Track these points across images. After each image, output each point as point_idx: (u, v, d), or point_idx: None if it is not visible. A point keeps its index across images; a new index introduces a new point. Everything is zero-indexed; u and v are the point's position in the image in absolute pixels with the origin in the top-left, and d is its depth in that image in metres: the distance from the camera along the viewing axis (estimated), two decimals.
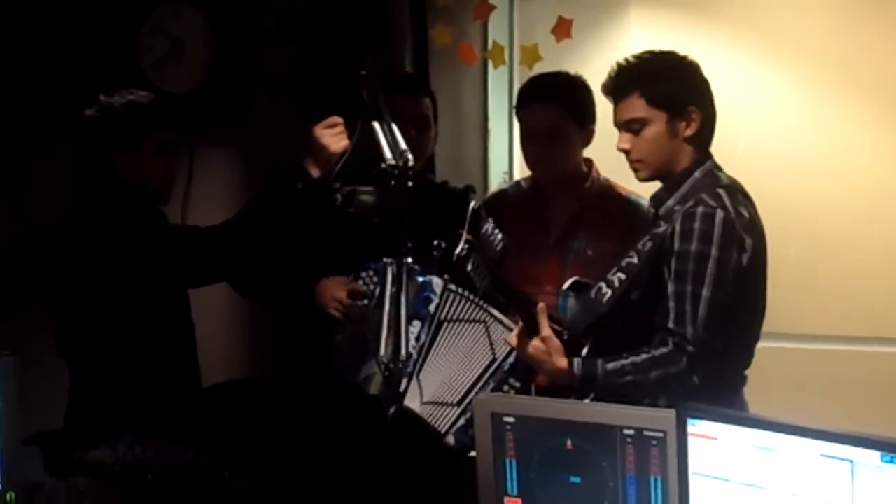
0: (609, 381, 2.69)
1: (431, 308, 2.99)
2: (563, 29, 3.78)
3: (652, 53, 2.89)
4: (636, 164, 2.89)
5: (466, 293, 3.00)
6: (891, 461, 1.94)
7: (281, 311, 3.55)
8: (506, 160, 4.58)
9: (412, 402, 2.97)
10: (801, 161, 4.29)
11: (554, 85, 3.44)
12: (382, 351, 2.62)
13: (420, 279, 3.01)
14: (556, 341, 2.77)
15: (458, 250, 2.82)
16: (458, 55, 3.91)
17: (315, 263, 3.25)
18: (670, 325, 2.67)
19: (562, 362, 2.75)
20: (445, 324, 3.00)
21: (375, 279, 3.09)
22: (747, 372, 2.91)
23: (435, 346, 3.00)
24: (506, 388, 2.96)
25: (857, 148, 4.23)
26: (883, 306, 4.00)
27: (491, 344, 2.98)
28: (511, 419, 2.43)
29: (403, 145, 2.66)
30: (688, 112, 2.82)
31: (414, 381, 2.96)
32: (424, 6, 3.94)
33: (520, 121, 3.48)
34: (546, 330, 2.76)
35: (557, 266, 3.43)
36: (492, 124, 4.47)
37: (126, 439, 1.59)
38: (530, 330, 2.78)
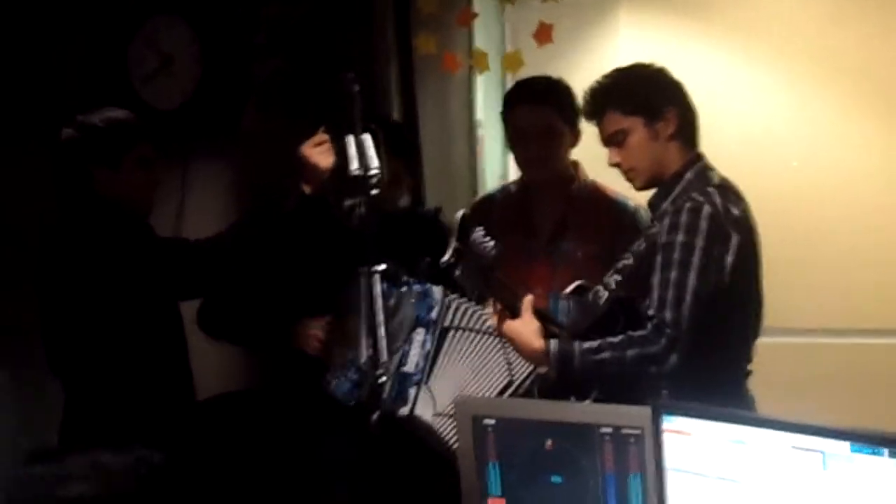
0: (585, 359, 2.73)
1: (433, 314, 3.01)
2: (544, 34, 3.80)
3: (618, 70, 3.00)
4: (629, 174, 2.97)
5: (470, 303, 3.05)
6: (859, 451, 1.97)
7: (256, 350, 3.58)
8: (500, 166, 4.60)
9: (424, 411, 2.99)
10: (794, 157, 4.31)
11: (541, 86, 3.52)
12: (363, 357, 2.64)
13: (417, 287, 3.04)
14: (535, 323, 2.83)
15: (445, 258, 2.86)
16: (443, 64, 3.93)
17: (300, 291, 3.26)
18: (651, 311, 2.72)
19: (538, 342, 2.81)
20: (451, 331, 3.04)
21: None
22: (750, 368, 2.94)
23: (443, 353, 3.02)
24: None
25: (849, 142, 4.24)
26: (885, 297, 4.01)
27: (508, 364, 3.01)
28: (492, 421, 2.46)
29: (374, 160, 2.70)
30: (662, 113, 2.90)
31: (424, 390, 2.99)
32: (408, 16, 3.96)
33: (508, 123, 3.55)
34: (527, 315, 2.83)
35: (547, 268, 3.47)
36: (484, 131, 4.49)
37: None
38: (513, 316, 2.85)
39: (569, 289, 3.00)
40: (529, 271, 3.43)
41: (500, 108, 4.63)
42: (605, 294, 2.88)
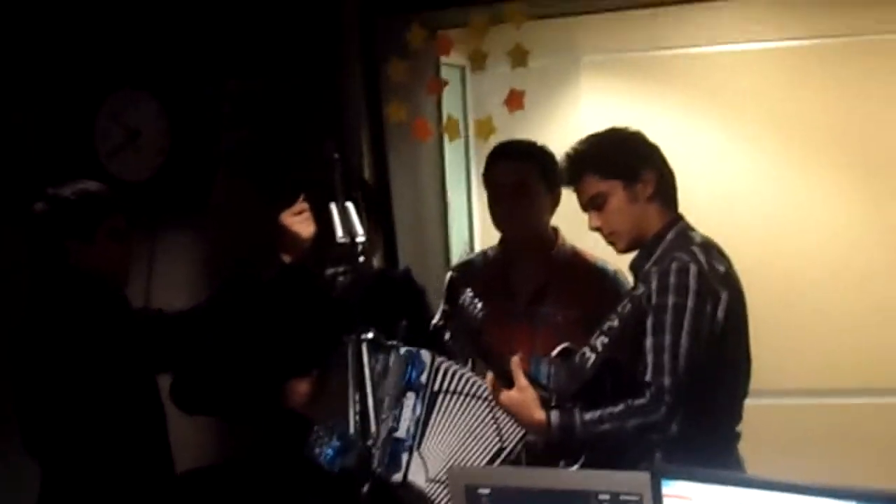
0: (587, 431, 2.72)
1: (423, 378, 2.97)
2: (515, 100, 3.82)
3: (594, 135, 3.01)
4: (611, 238, 2.97)
5: (458, 366, 3.00)
6: None
7: (236, 420, 3.48)
8: (466, 231, 4.62)
9: (417, 477, 2.94)
10: (760, 217, 4.35)
11: (521, 145, 3.55)
12: (352, 429, 2.60)
13: (403, 350, 3.01)
14: (532, 392, 2.81)
15: (435, 321, 2.84)
16: (413, 131, 3.93)
17: (284, 358, 3.20)
18: (647, 377, 2.70)
19: (538, 413, 2.78)
20: (441, 395, 2.99)
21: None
22: (739, 429, 2.92)
23: (433, 418, 2.97)
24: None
25: (815, 201, 4.29)
26: (867, 357, 4.03)
27: (498, 429, 2.96)
28: (486, 490, 2.41)
29: (358, 226, 2.67)
30: (640, 175, 2.91)
31: (416, 456, 2.94)
32: (378, 84, 3.97)
33: (487, 183, 3.54)
34: (522, 381, 2.81)
35: (526, 333, 3.45)
36: (451, 197, 4.50)
37: None
38: (506, 384, 2.83)
39: (555, 352, 2.99)
40: (510, 335, 3.39)
41: (462, 175, 4.70)
42: (591, 357, 2.87)
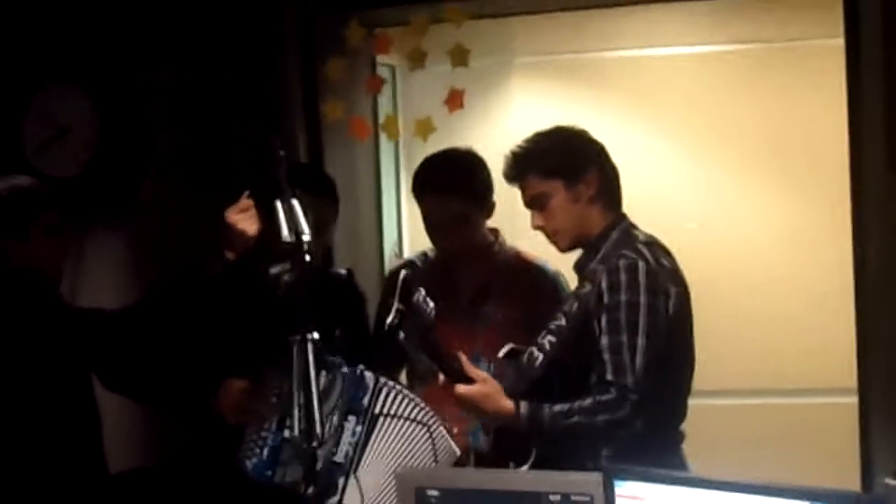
0: (555, 423, 2.71)
1: (365, 401, 2.89)
2: (455, 100, 3.80)
3: (539, 134, 2.99)
4: (553, 237, 2.97)
5: (403, 389, 2.95)
6: None
7: (169, 411, 3.37)
8: (395, 231, 4.58)
9: (352, 501, 2.86)
10: (694, 219, 4.37)
11: (451, 171, 3.42)
12: (296, 432, 2.55)
13: (345, 370, 2.93)
14: (494, 382, 2.80)
15: (389, 320, 2.77)
16: (351, 129, 3.89)
17: (223, 357, 3.14)
18: (609, 376, 2.70)
19: (506, 402, 2.76)
20: (381, 418, 2.91)
21: (279, 383, 2.95)
22: (683, 428, 2.93)
23: (372, 441, 2.89)
24: None
25: (750, 204, 4.33)
26: (805, 357, 4.07)
27: (435, 452, 2.91)
28: (435, 493, 2.39)
29: (303, 224, 2.63)
30: (583, 175, 2.90)
31: (352, 479, 2.86)
32: (316, 82, 3.92)
33: (420, 207, 3.47)
34: (480, 373, 2.80)
35: (468, 333, 3.42)
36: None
37: None
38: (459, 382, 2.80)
39: (502, 352, 2.96)
40: (452, 335, 3.35)
41: (392, 177, 4.65)
42: (539, 356, 2.85)
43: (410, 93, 4.58)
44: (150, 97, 4.05)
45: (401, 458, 2.91)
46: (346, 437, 2.88)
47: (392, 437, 2.92)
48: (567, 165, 2.91)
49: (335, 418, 2.89)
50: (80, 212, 3.96)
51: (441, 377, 2.87)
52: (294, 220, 2.62)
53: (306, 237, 2.57)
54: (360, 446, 2.89)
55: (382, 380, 2.94)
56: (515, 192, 3.03)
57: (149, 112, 4.07)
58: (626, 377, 2.68)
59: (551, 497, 2.30)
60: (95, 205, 4.02)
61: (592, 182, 2.91)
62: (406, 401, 2.95)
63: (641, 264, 2.77)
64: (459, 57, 3.75)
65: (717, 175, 4.43)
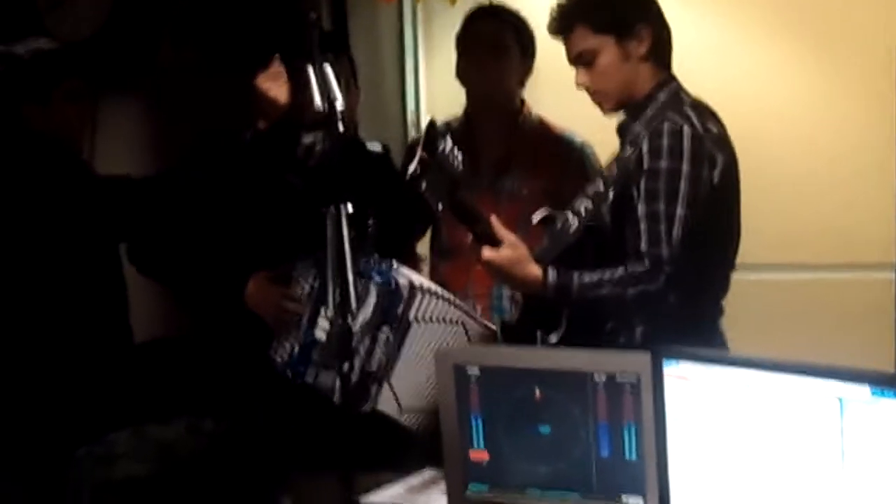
0: (584, 293, 2.62)
1: (398, 311, 2.75)
2: None
3: None
4: (598, 98, 2.80)
5: (437, 291, 2.82)
6: (882, 394, 1.88)
7: (199, 300, 3.26)
8: (413, 101, 4.45)
9: (387, 408, 2.80)
10: (724, 92, 4.22)
11: (501, 8, 3.47)
12: (331, 306, 2.48)
13: (379, 280, 2.80)
14: (524, 248, 2.68)
15: (411, 169, 2.62)
16: None
17: (256, 237, 3.05)
18: (643, 246, 2.59)
19: (534, 269, 2.66)
20: (415, 324, 2.79)
21: (311, 276, 2.89)
22: (723, 303, 2.84)
23: (405, 346, 2.78)
24: None
25: (781, 75, 4.16)
26: (837, 232, 3.98)
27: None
28: (475, 371, 2.32)
29: (336, 91, 2.52)
30: (636, 30, 2.73)
31: (386, 387, 2.78)
32: None
33: (462, 44, 3.44)
34: (510, 237, 2.67)
35: (490, 205, 3.32)
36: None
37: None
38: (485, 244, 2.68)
39: (536, 217, 2.81)
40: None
41: (410, 40, 4.50)
42: (574, 222, 2.71)
43: None
44: None
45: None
46: (380, 347, 2.78)
47: (426, 339, 2.81)
48: (620, 20, 2.72)
49: (368, 329, 2.77)
50: (95, 76, 3.86)
51: (470, 237, 2.74)
52: (327, 86, 2.53)
53: (339, 104, 2.48)
54: (393, 353, 2.79)
55: (416, 283, 2.80)
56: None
57: None
58: (661, 248, 2.57)
59: (596, 377, 2.24)
60: (111, 69, 3.88)
61: (645, 39, 2.73)
62: (440, 304, 2.83)
63: (687, 129, 2.62)
64: None
65: (742, 39, 4.23)
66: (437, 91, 4.29)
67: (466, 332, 2.82)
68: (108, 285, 3.05)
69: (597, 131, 3.46)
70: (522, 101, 3.48)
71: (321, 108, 2.47)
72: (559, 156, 3.42)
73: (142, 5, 3.94)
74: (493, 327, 2.88)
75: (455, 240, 3.37)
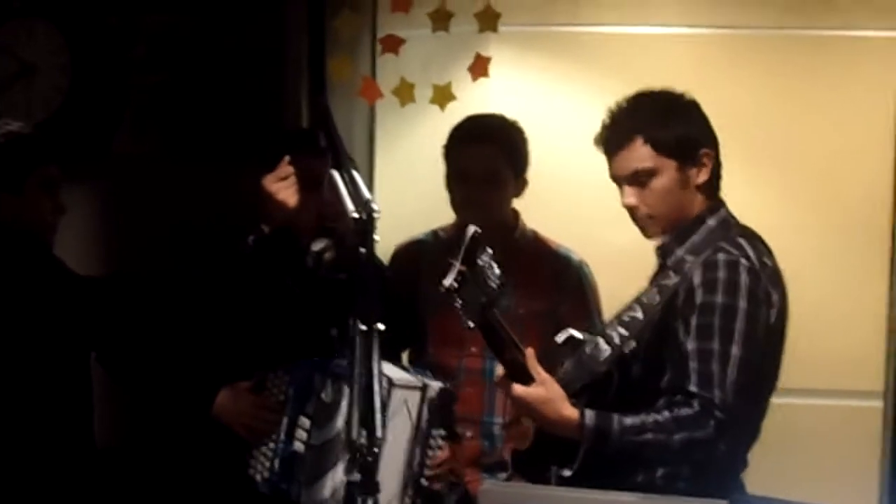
0: (625, 440, 2.36)
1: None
2: (480, 67, 3.49)
3: (648, 93, 2.59)
4: (645, 221, 2.58)
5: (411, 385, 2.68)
6: None
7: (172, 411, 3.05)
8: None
9: None
10: None
11: (493, 127, 3.23)
12: (354, 433, 2.26)
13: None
14: (557, 386, 2.43)
15: (448, 282, 2.40)
16: (361, 91, 3.56)
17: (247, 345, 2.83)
18: (692, 387, 2.36)
19: (569, 410, 2.40)
20: (391, 420, 2.63)
21: (286, 386, 2.71)
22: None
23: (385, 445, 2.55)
24: (432, 442, 2.66)
25: (735, 198, 4.10)
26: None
27: (408, 410, 2.65)
28: None
29: (367, 194, 2.35)
30: (699, 156, 2.55)
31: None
32: (324, 37, 3.59)
33: (450, 162, 3.23)
34: (542, 374, 2.43)
35: None
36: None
37: None
38: (517, 380, 2.45)
39: (560, 337, 2.57)
40: (467, 331, 3.10)
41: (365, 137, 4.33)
42: (606, 350, 2.50)
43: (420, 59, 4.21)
44: (131, 40, 3.68)
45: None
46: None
47: (398, 426, 2.65)
48: (683, 141, 2.52)
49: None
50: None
51: (499, 369, 2.51)
52: (357, 192, 2.35)
53: (377, 212, 2.30)
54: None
55: (393, 380, 2.63)
56: None
57: (127, 56, 3.70)
58: (713, 391, 2.34)
59: None
60: (66, 154, 3.63)
61: (707, 166, 2.55)
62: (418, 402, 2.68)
63: (744, 262, 2.43)
64: (488, 20, 3.43)
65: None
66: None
67: (423, 394, 2.66)
68: (74, 391, 2.79)
69: (587, 244, 3.39)
70: (516, 214, 3.32)
71: (358, 215, 2.29)
72: (557, 274, 3.27)
73: (99, 89, 3.71)
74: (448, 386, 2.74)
75: (442, 359, 3.18)
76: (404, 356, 3.33)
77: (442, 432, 2.62)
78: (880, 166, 3.86)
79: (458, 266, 2.39)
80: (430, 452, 2.64)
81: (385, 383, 2.54)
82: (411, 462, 2.60)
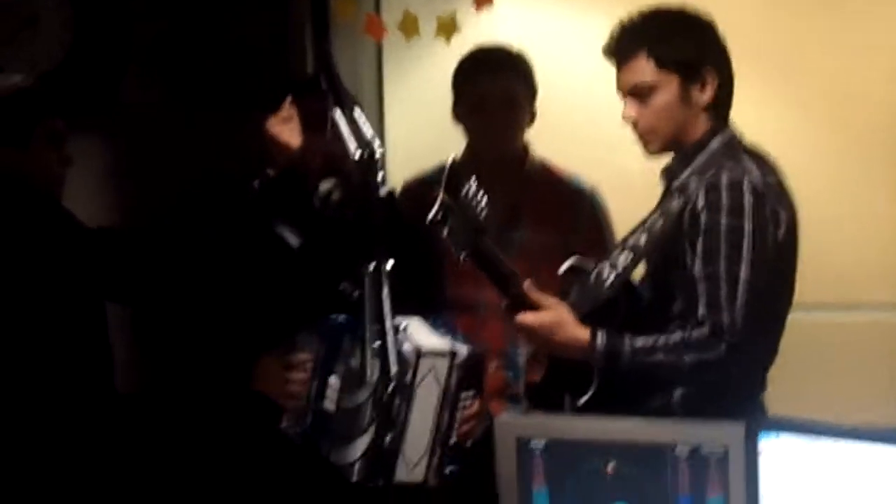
0: (636, 360, 2.37)
1: (407, 379, 2.50)
2: None
3: (660, 9, 2.57)
4: (645, 136, 2.57)
5: (444, 354, 2.59)
6: None
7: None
8: None
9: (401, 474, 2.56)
10: None
11: (507, 55, 3.25)
12: (368, 373, 2.27)
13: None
14: (565, 308, 2.45)
15: (432, 214, 2.42)
16: (365, 28, 3.53)
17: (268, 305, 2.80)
18: (701, 310, 2.36)
19: (580, 332, 2.42)
20: (420, 388, 2.56)
21: (315, 345, 2.65)
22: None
23: (413, 412, 2.55)
24: (460, 404, 2.61)
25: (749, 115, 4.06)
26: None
27: (436, 377, 2.58)
28: (540, 444, 2.13)
29: (369, 134, 2.34)
30: (703, 74, 2.52)
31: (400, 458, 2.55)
32: None
33: (463, 93, 3.23)
34: (548, 298, 2.44)
35: None
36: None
37: None
38: (521, 309, 2.47)
39: (563, 267, 2.59)
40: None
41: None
42: (610, 275, 2.48)
43: None
44: None
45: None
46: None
47: (425, 392, 2.58)
48: (688, 58, 2.51)
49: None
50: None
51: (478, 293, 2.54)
52: (359, 132, 2.35)
53: (379, 151, 2.29)
54: (403, 423, 2.54)
55: (422, 348, 2.57)
56: None
57: (128, 5, 3.67)
58: (722, 314, 2.33)
59: (677, 449, 2.06)
60: (72, 106, 3.61)
61: (711, 85, 2.52)
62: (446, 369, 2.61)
63: (747, 182, 2.41)
64: None
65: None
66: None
67: (452, 360, 2.56)
68: (91, 349, 2.77)
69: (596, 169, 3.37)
70: (526, 146, 3.29)
71: (359, 156, 2.28)
72: (569, 205, 3.26)
73: (104, 39, 3.67)
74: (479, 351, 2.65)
75: (462, 294, 3.16)
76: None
77: (471, 392, 2.59)
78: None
79: (441, 196, 2.39)
80: (457, 415, 2.61)
81: (412, 353, 2.51)
82: (440, 425, 2.58)
